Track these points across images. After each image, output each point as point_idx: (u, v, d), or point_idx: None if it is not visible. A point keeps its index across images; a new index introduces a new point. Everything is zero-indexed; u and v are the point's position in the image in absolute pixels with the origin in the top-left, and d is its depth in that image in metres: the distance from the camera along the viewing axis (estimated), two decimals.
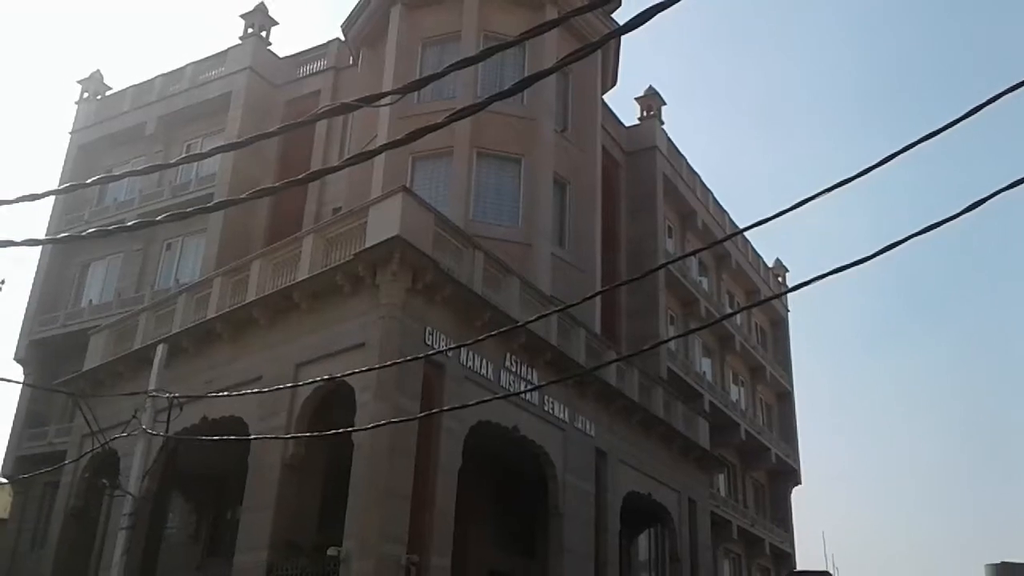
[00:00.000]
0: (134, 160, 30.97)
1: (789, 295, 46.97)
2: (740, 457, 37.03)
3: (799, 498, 45.96)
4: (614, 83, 28.26)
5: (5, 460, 28.64)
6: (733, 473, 36.33)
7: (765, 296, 42.28)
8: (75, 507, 20.11)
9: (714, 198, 37.53)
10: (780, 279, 46.51)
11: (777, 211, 5.92)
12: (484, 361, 16.22)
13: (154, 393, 14.71)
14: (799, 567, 40.94)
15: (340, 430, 12.38)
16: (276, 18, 30.43)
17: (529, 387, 16.61)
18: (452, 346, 13.35)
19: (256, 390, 14.36)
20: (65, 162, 31.78)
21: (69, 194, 30.71)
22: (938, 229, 5.47)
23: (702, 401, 31.31)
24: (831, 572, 43.78)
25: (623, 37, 26.60)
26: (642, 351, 15.18)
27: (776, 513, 40.15)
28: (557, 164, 23.11)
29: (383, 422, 11.60)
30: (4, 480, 29.95)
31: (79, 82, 33.07)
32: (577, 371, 18.80)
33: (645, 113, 33.01)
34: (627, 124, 32.58)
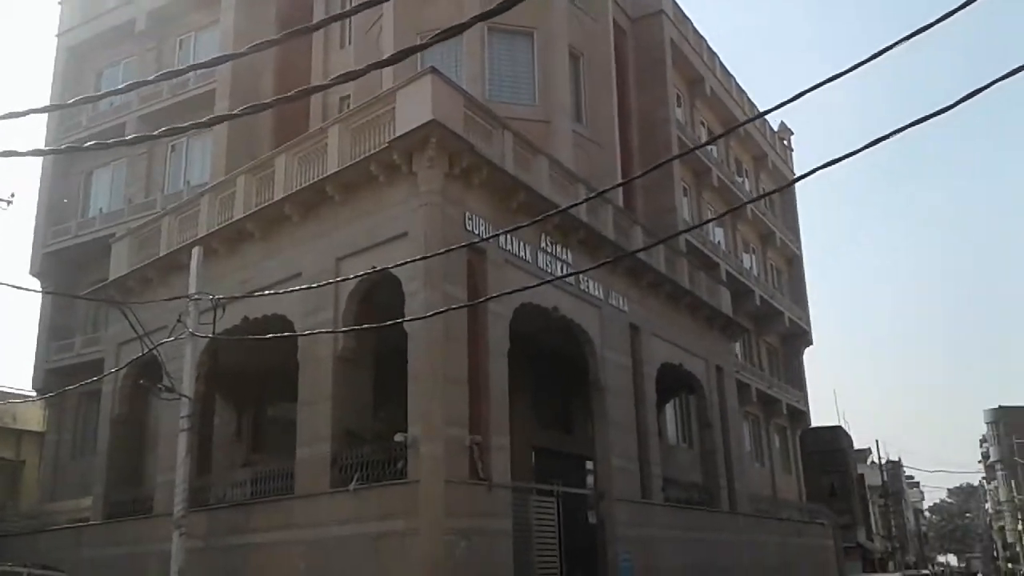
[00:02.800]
0: (126, 60, 29.98)
1: (794, 159, 46.66)
2: (754, 322, 37.54)
3: (810, 358, 47.10)
4: None
5: (35, 374, 28.88)
6: (748, 338, 36.90)
7: (772, 160, 41.97)
8: (120, 414, 20.41)
9: (720, 62, 36.62)
10: (785, 142, 46.03)
11: (799, 92, 5.85)
12: (522, 243, 16.12)
13: (197, 296, 14.67)
14: (813, 424, 42.32)
15: (399, 320, 12.42)
16: None
17: (573, 271, 16.62)
18: (497, 232, 13.23)
19: (303, 286, 14.33)
20: (55, 66, 30.68)
21: (64, 100, 29.81)
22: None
23: (719, 270, 31.48)
24: (843, 426, 45.39)
25: None
26: (679, 233, 15.08)
27: (790, 374, 41.08)
28: (571, 35, 22.35)
29: (443, 309, 11.58)
30: (33, 394, 30.32)
31: None
32: (607, 248, 18.79)
33: None
34: None
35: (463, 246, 11.96)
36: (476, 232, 14.69)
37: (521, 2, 4.30)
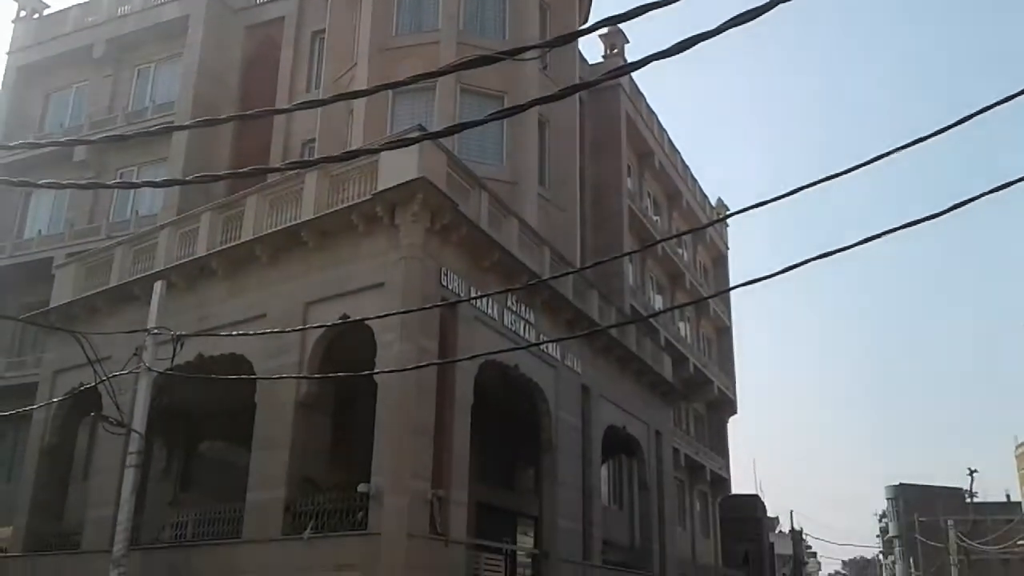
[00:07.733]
0: (79, 84, 29.42)
1: (729, 235, 48.40)
2: (685, 389, 38.38)
3: (733, 427, 48.45)
4: (585, 20, 28.08)
5: None
6: (678, 404, 37.69)
7: (709, 233, 43.46)
8: (50, 443, 19.65)
9: (669, 138, 38.01)
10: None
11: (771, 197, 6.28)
12: (490, 301, 16.38)
13: (156, 330, 14.39)
14: (734, 491, 43.26)
15: (372, 372, 12.51)
16: None
17: (539, 335, 17.04)
18: (481, 294, 13.51)
19: (271, 329, 14.29)
20: (3, 84, 29.86)
21: (10, 118, 29.04)
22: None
23: (658, 336, 32.24)
24: (759, 495, 46.48)
25: None
26: (651, 316, 15.56)
27: (714, 441, 42.00)
28: None
29: (424, 364, 11.76)
30: None
31: None
32: (567, 310, 19.25)
33: (609, 51, 32.95)
34: (591, 62, 32.52)
35: (451, 303, 12.18)
36: (451, 287, 14.91)
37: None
